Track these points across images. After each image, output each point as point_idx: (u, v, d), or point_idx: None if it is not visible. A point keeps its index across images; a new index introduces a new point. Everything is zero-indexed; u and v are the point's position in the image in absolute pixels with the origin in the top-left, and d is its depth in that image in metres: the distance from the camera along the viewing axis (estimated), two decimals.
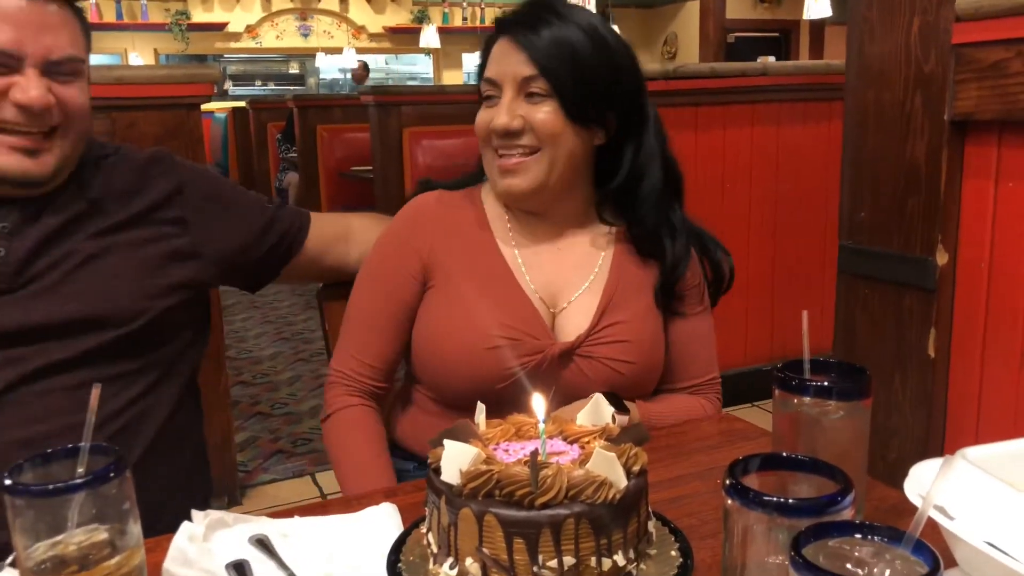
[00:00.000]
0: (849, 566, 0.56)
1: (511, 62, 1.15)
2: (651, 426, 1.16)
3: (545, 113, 1.14)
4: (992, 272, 1.52)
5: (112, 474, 0.68)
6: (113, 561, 0.69)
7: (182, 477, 1.29)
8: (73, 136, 1.18)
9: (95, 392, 0.74)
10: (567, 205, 1.24)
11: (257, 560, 0.83)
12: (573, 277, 1.22)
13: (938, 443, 1.63)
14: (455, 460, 0.74)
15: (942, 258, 1.59)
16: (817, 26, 11.31)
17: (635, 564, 0.75)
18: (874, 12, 1.68)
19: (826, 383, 0.84)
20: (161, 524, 0.86)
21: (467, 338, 1.16)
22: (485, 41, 1.22)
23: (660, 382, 1.27)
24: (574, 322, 1.20)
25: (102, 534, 0.69)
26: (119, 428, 1.17)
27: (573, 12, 1.17)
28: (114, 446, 0.71)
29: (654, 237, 1.23)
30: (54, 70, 1.14)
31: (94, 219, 1.20)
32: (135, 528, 0.71)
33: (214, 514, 0.88)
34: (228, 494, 2.70)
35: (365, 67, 9.47)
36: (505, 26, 1.17)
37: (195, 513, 0.87)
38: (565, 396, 1.14)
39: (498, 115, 1.15)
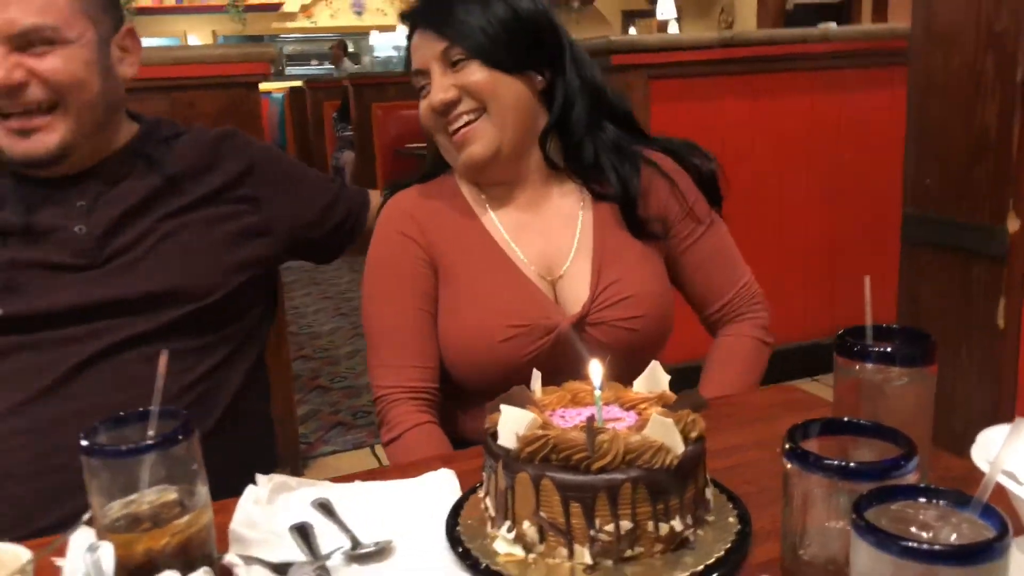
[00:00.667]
0: (913, 530, 0.55)
1: (426, 46, 1.18)
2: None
3: (472, 72, 1.16)
4: None
5: (180, 436, 0.71)
6: (183, 520, 0.71)
7: (248, 450, 1.32)
8: (76, 110, 1.15)
9: (163, 358, 0.77)
10: (532, 163, 1.24)
11: (319, 523, 0.85)
12: (561, 241, 1.22)
13: (1008, 415, 1.57)
14: (512, 425, 0.74)
15: (1013, 225, 1.53)
16: None
17: (692, 530, 0.75)
18: None
19: (888, 348, 0.82)
20: (226, 494, 0.88)
21: (480, 334, 1.17)
22: (407, 41, 1.24)
23: (698, 311, 1.29)
24: (575, 290, 1.20)
25: (172, 494, 0.72)
26: (193, 399, 1.20)
27: None
28: (182, 410, 0.73)
29: (596, 167, 1.23)
30: (23, 43, 1.10)
31: (169, 198, 1.23)
32: (203, 489, 0.74)
33: (277, 478, 0.91)
34: (291, 465, 2.76)
35: (342, 46, 9.36)
36: (413, 18, 1.21)
37: (259, 477, 0.90)
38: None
39: (433, 95, 1.17)
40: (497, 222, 1.23)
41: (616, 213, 1.24)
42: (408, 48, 1.23)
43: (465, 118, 1.17)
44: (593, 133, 1.23)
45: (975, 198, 1.60)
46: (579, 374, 0.90)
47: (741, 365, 1.27)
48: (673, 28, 10.89)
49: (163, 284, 1.18)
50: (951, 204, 1.66)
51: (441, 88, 1.16)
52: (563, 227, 1.23)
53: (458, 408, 1.25)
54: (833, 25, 4.43)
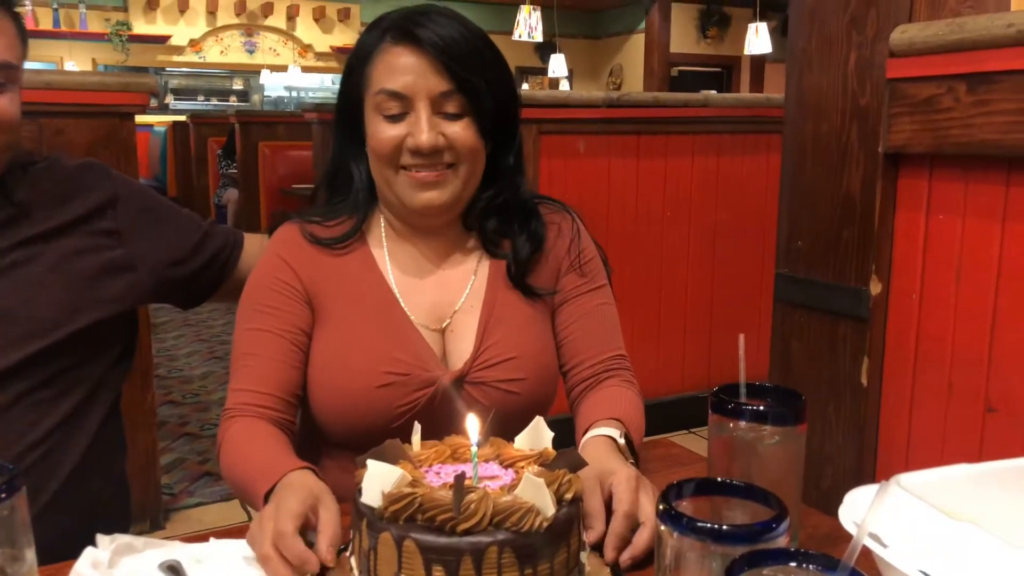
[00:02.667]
0: None
1: (421, 75, 1.06)
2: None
3: (466, 129, 1.08)
4: (923, 303, 1.55)
5: (3, 495, 0.63)
6: None
7: (99, 510, 1.23)
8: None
9: None
10: (457, 224, 1.18)
11: None
12: (453, 295, 1.17)
13: (870, 471, 1.64)
14: (378, 482, 0.71)
15: (875, 288, 1.61)
16: (758, 63, 11.63)
17: None
18: (813, 45, 1.71)
19: (761, 408, 0.83)
20: (72, 558, 0.80)
21: (356, 378, 1.10)
22: (366, 45, 1.11)
23: (565, 371, 1.21)
24: (460, 346, 1.15)
25: None
26: (39, 457, 1.12)
27: (464, 17, 1.11)
28: (9, 464, 0.66)
29: (499, 230, 1.18)
30: None
31: (20, 225, 1.15)
32: (29, 554, 0.66)
33: (121, 538, 0.83)
34: (151, 518, 2.59)
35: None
36: (405, 31, 1.07)
37: (100, 538, 0.82)
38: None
39: (417, 132, 1.06)
40: (390, 271, 1.17)
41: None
42: (369, 54, 1.10)
43: (440, 167, 1.09)
44: (508, 201, 1.19)
45: (842, 261, 1.68)
46: (454, 434, 0.87)
47: (630, 405, 1.15)
48: (564, 86, 11.21)
49: (2, 316, 1.09)
50: (820, 266, 1.73)
51: (430, 131, 1.06)
52: (458, 280, 1.18)
53: (323, 464, 1.17)
54: (714, 92, 4.65)
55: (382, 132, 1.08)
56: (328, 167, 1.22)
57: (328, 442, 1.16)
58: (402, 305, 1.15)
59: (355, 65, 1.13)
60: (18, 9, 1.14)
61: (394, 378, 1.09)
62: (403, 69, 1.07)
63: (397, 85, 1.07)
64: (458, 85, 1.06)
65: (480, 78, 1.08)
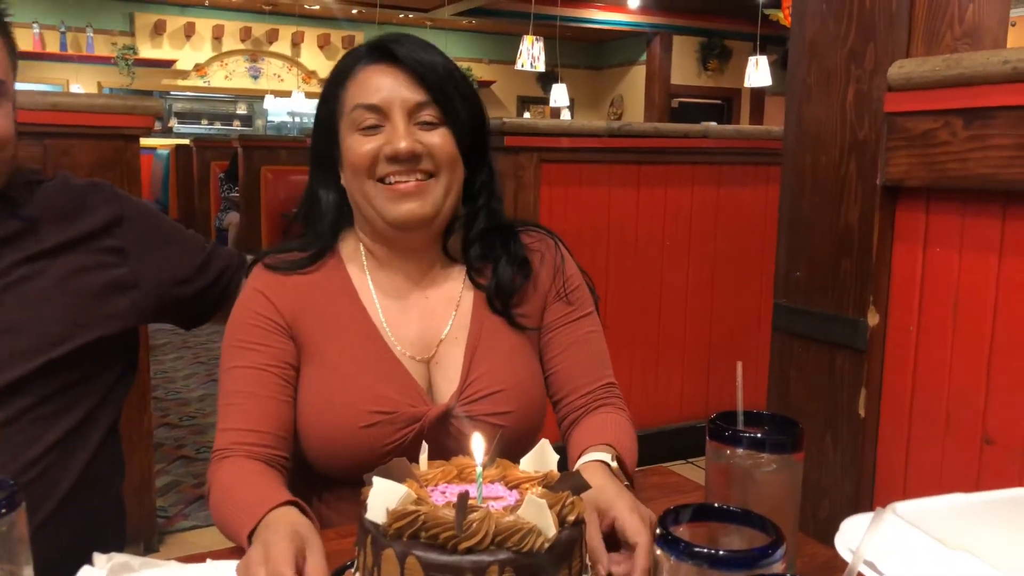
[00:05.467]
0: None
1: (396, 87, 1.10)
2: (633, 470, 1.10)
3: (440, 138, 1.11)
4: (920, 334, 1.56)
5: (3, 510, 0.63)
6: None
7: (95, 530, 1.23)
8: None
9: None
10: (436, 245, 1.18)
11: None
12: (439, 324, 1.17)
13: (867, 502, 1.64)
14: (383, 499, 0.71)
15: (873, 319, 1.62)
16: (758, 95, 11.74)
17: None
18: (812, 78, 1.74)
19: (759, 435, 0.83)
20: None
21: (341, 419, 1.09)
22: (341, 71, 1.15)
23: (556, 401, 1.21)
24: (447, 377, 1.14)
25: None
26: (38, 473, 1.12)
27: (435, 46, 1.16)
28: (9, 479, 0.66)
29: (483, 257, 1.19)
30: None
31: (27, 241, 1.16)
32: (27, 571, 0.66)
33: (118, 558, 0.83)
34: (144, 541, 2.57)
35: None
36: (380, 51, 1.12)
37: (97, 556, 0.82)
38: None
39: (395, 139, 1.08)
40: (376, 301, 1.16)
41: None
42: (347, 75, 1.13)
43: (419, 175, 1.10)
44: (489, 228, 1.20)
45: (840, 292, 1.69)
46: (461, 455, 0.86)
47: (620, 430, 1.15)
48: (565, 115, 11.31)
49: (7, 330, 1.10)
50: (818, 297, 1.74)
51: (407, 137, 1.08)
52: (442, 309, 1.18)
53: (318, 497, 1.16)
54: (714, 124, 4.70)
55: (359, 146, 1.11)
56: (304, 196, 1.22)
57: (321, 476, 1.15)
58: (386, 336, 1.14)
59: (330, 90, 1.15)
60: (20, 29, 1.15)
61: (380, 417, 1.09)
62: (379, 84, 1.11)
63: (374, 99, 1.10)
64: (433, 96, 1.10)
65: (454, 91, 1.12)
